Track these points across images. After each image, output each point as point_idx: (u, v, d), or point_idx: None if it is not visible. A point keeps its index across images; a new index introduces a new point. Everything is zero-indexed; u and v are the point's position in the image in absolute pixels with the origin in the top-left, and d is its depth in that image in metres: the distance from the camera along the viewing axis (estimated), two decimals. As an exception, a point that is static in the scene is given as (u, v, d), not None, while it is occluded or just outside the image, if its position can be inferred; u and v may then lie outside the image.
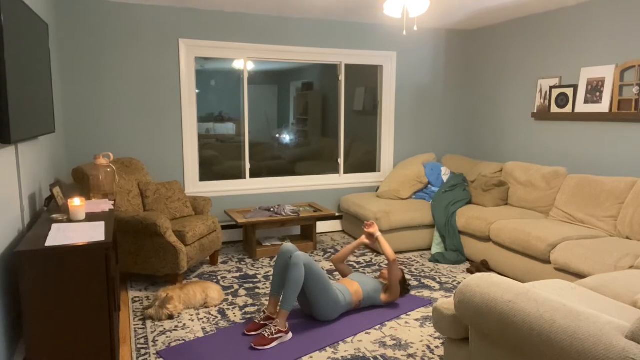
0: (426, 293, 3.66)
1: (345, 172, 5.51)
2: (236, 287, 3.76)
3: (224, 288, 3.72)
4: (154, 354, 2.73)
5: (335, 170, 5.51)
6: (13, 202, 2.53)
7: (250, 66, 5.04)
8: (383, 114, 5.55)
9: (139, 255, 3.63)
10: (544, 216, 4.24)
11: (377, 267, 4.24)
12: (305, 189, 5.26)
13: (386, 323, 3.13)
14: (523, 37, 5.00)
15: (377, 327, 3.07)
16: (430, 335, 2.96)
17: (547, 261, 3.55)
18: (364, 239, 3.50)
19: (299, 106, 6.59)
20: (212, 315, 3.24)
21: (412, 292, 3.65)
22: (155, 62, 4.54)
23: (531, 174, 4.49)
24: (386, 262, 4.39)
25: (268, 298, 3.41)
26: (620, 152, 4.06)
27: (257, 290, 3.68)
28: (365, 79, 5.68)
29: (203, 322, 3.14)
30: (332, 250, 4.74)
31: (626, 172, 4.02)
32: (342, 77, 5.34)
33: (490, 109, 5.51)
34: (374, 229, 3.45)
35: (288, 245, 3.09)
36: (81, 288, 2.24)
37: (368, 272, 4.09)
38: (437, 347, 2.82)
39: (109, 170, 3.46)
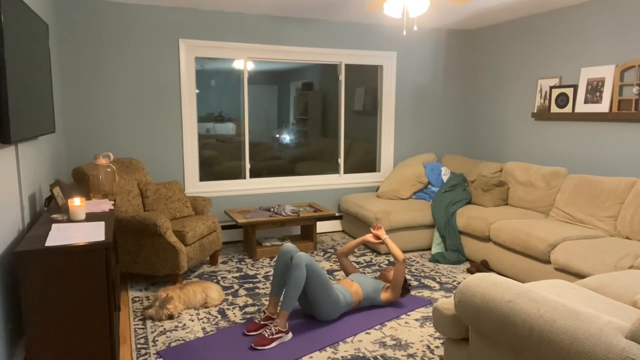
0: (426, 293, 3.66)
1: (345, 172, 5.51)
2: (236, 287, 3.76)
3: (224, 288, 3.72)
4: (154, 354, 2.73)
5: (335, 170, 5.51)
6: (13, 202, 2.53)
7: (250, 66, 5.04)
8: (383, 114, 5.55)
9: (139, 255, 3.63)
10: (544, 216, 4.24)
11: (377, 267, 4.24)
12: (305, 189, 5.26)
13: (386, 323, 3.13)
14: (523, 37, 5.00)
15: (377, 327, 3.07)
16: (430, 335, 2.96)
17: (547, 261, 3.55)
18: (369, 237, 3.51)
19: (299, 106, 6.59)
20: (212, 315, 3.24)
21: (412, 292, 3.65)
22: (155, 62, 4.54)
23: (531, 174, 4.49)
24: (386, 263, 4.39)
25: (268, 298, 3.41)
26: (620, 152, 4.06)
27: (257, 290, 3.68)
28: (365, 79, 5.68)
29: (203, 322, 3.14)
30: (332, 250, 4.74)
31: (626, 172, 4.02)
32: (342, 77, 5.34)
33: (490, 109, 5.51)
34: (382, 232, 3.46)
35: (288, 245, 3.09)
36: (81, 288, 2.24)
37: (368, 272, 4.09)
38: (437, 347, 2.82)
39: (109, 170, 3.46)
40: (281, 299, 2.98)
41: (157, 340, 2.89)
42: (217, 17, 4.68)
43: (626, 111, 3.93)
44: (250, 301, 3.48)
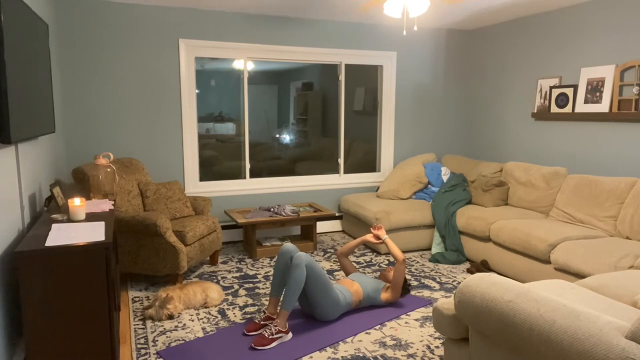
0: (426, 293, 3.66)
1: (345, 172, 5.51)
2: (236, 287, 3.76)
3: (224, 288, 3.72)
4: (154, 354, 2.73)
5: (335, 170, 5.51)
6: (13, 202, 2.53)
7: (250, 66, 5.04)
8: (383, 114, 5.55)
9: (139, 255, 3.63)
10: (544, 216, 4.24)
11: (377, 267, 4.24)
12: (305, 189, 5.26)
13: (386, 323, 3.13)
14: (523, 37, 5.00)
15: (377, 327, 3.07)
16: (430, 335, 2.96)
17: (547, 261, 3.55)
18: (369, 237, 3.51)
19: (299, 106, 6.59)
20: (212, 315, 3.24)
21: (412, 292, 3.65)
22: (155, 62, 4.54)
23: (531, 174, 4.49)
24: (386, 263, 4.39)
25: (268, 298, 3.41)
26: (620, 152, 4.06)
27: (257, 290, 3.68)
28: (365, 79, 5.68)
29: (203, 322, 3.14)
30: (332, 250, 4.74)
31: (626, 172, 4.02)
32: (342, 77, 5.34)
33: (490, 109, 5.51)
34: (382, 232, 3.47)
35: (288, 245, 3.09)
36: (81, 288, 2.24)
37: (368, 272, 4.09)
38: (437, 347, 2.82)
39: (109, 170, 3.46)
40: (281, 299, 2.98)
41: (157, 340, 2.89)
42: (217, 17, 4.68)
43: (626, 111, 3.93)
44: (250, 301, 3.48)
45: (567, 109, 4.45)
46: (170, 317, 3.16)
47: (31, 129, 2.61)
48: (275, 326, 2.84)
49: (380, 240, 3.47)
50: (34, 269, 2.16)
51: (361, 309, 3.32)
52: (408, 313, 3.28)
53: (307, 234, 4.89)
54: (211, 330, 3.02)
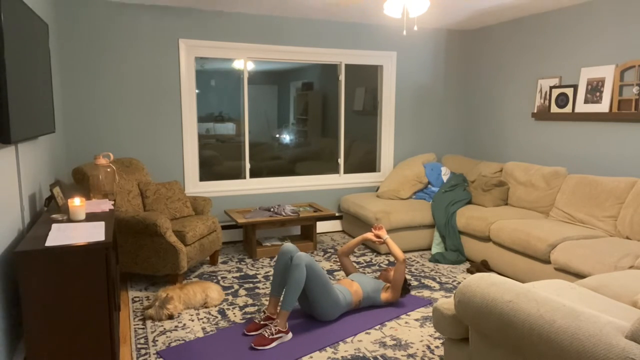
0: (426, 293, 3.66)
1: (345, 172, 5.51)
2: (236, 287, 3.76)
3: (224, 288, 3.72)
4: (154, 354, 2.73)
5: (335, 170, 5.51)
6: (13, 202, 2.53)
7: (250, 66, 5.04)
8: (383, 114, 5.55)
9: (139, 255, 3.63)
10: (544, 216, 4.24)
11: (377, 267, 4.24)
12: (305, 189, 5.26)
13: (386, 323, 3.13)
14: (523, 37, 5.00)
15: (377, 327, 3.07)
16: (430, 335, 2.96)
17: (547, 261, 3.55)
18: (369, 235, 3.51)
19: (299, 106, 6.59)
20: (212, 315, 3.24)
21: (412, 292, 3.65)
22: (155, 62, 4.54)
23: (531, 174, 4.49)
24: (386, 263, 4.39)
25: (268, 298, 3.42)
26: (620, 152, 4.06)
27: (257, 290, 3.68)
28: (365, 79, 5.68)
29: (203, 322, 3.14)
30: (332, 250, 4.74)
31: (626, 172, 4.02)
32: (342, 77, 5.34)
33: (490, 109, 5.51)
34: (383, 232, 3.47)
35: (288, 245, 3.09)
36: (81, 288, 2.24)
37: (368, 272, 4.09)
38: (437, 347, 2.82)
39: (109, 170, 3.46)
40: (281, 299, 2.98)
41: (157, 340, 2.89)
42: (217, 17, 4.68)
43: (626, 111, 3.93)
44: (250, 301, 3.48)
45: (567, 109, 4.45)
46: (170, 317, 3.16)
47: (31, 129, 2.61)
48: (275, 326, 2.84)
49: (381, 240, 3.47)
50: (34, 269, 2.16)
51: (361, 309, 3.32)
52: (408, 313, 3.28)
53: (307, 234, 4.89)
54: (211, 330, 3.02)
